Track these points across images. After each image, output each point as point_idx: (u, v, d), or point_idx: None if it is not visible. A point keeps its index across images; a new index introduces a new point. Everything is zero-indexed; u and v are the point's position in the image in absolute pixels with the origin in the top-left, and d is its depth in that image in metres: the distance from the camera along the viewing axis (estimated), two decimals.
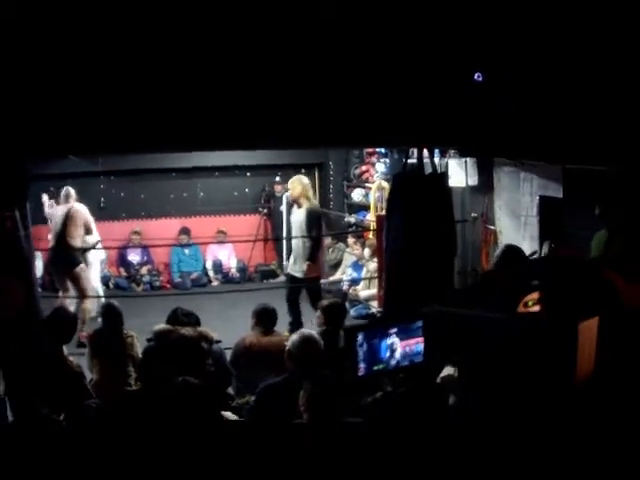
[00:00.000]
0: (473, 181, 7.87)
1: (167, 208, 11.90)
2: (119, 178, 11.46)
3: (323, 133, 5.31)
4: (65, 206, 8.40)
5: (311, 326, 6.02)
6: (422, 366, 3.82)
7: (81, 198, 8.83)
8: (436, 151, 7.59)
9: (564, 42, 4.70)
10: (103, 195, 11.45)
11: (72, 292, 8.26)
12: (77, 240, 8.26)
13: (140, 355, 5.68)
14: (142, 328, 6.11)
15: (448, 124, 5.27)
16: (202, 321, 5.74)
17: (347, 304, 8.93)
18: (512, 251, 5.47)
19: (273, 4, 4.71)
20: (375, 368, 3.67)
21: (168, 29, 4.63)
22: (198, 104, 4.88)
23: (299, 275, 7.95)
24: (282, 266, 10.90)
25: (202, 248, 11.83)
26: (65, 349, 5.66)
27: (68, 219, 8.23)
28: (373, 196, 9.96)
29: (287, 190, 8.93)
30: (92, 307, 8.27)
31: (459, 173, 7.88)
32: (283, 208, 10.67)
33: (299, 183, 8.03)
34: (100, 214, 10.03)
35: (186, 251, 11.70)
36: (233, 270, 11.85)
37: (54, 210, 8.54)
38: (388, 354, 3.70)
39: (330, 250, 11.46)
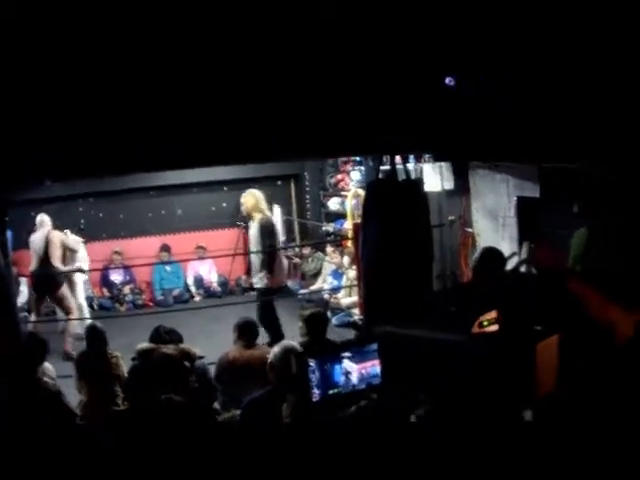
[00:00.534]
0: (449, 185, 7.92)
1: (146, 226, 11.93)
2: (97, 199, 11.52)
3: (297, 146, 5.30)
4: (41, 231, 8.85)
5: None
6: (380, 388, 3.78)
7: (61, 221, 9.39)
8: (411, 156, 7.69)
9: (548, 41, 4.60)
10: (83, 217, 11.51)
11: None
12: (57, 261, 8.72)
13: (126, 374, 5.77)
14: (128, 347, 6.14)
15: (420, 130, 5.23)
16: (185, 337, 5.79)
17: (329, 313, 8.95)
18: (490, 253, 5.43)
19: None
20: (330, 392, 3.65)
21: (145, 48, 4.60)
22: (171, 123, 4.88)
23: (259, 286, 7.96)
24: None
25: (183, 264, 11.86)
26: (53, 369, 5.83)
27: (48, 242, 8.70)
28: (349, 204, 10.03)
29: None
30: (77, 322, 8.76)
31: (434, 177, 7.91)
32: None
33: (252, 197, 8.03)
34: (81, 236, 10.07)
35: (167, 268, 11.72)
36: (214, 284, 11.89)
37: (33, 237, 8.91)
38: (343, 378, 3.68)
39: (310, 260, 11.53)
